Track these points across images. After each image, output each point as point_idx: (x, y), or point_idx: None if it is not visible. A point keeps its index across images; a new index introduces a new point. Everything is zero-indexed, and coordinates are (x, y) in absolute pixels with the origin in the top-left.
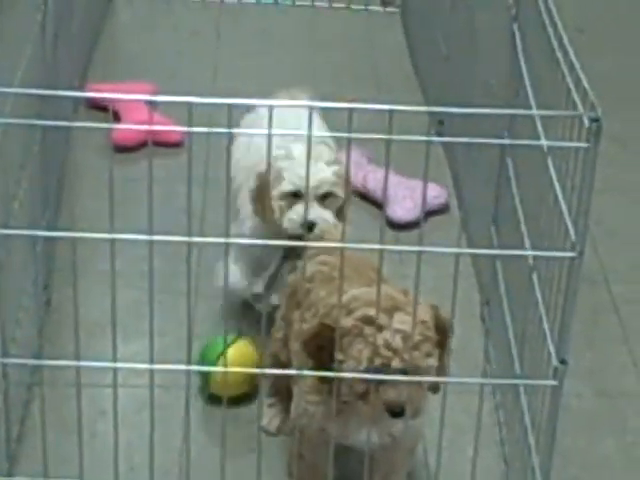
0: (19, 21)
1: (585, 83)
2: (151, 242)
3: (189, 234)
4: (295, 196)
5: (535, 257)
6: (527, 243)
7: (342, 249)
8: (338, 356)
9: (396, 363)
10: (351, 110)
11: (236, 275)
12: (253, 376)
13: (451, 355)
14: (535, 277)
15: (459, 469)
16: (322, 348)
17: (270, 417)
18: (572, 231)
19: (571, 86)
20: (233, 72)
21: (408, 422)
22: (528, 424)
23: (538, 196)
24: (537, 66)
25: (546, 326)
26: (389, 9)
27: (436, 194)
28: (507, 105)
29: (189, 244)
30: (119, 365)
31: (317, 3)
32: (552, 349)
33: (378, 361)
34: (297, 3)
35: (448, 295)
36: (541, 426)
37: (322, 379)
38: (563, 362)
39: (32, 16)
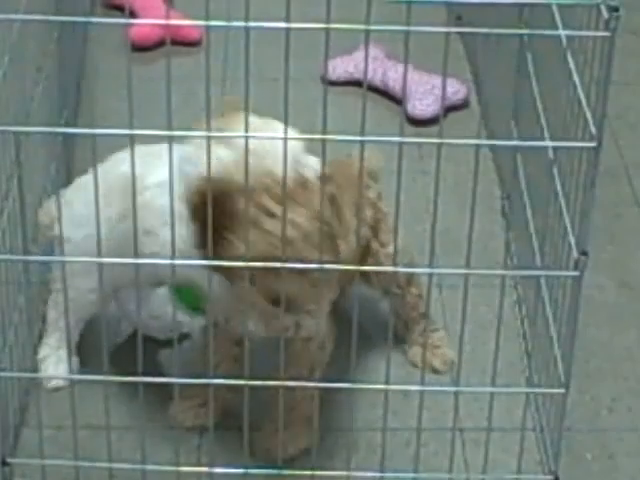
0: None
1: None
2: (170, 137)
3: (208, 129)
4: None
5: (555, 149)
6: (547, 136)
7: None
8: (227, 235)
9: (282, 253)
10: (369, 1)
11: None
12: None
13: None
14: (555, 170)
15: (481, 362)
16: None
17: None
18: (591, 121)
19: None
20: None
21: (296, 318)
22: (550, 316)
23: (557, 89)
24: None
25: (567, 218)
26: None
27: (455, 89)
28: None
29: (208, 138)
30: None
31: None
32: (573, 241)
33: (269, 251)
34: None
35: (469, 190)
36: (563, 319)
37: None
38: (584, 253)
39: None
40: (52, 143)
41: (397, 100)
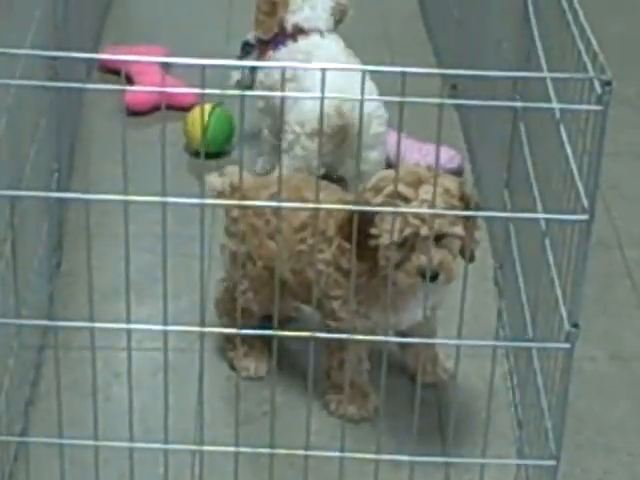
0: None
1: (595, 46)
2: (164, 204)
3: (202, 196)
4: None
5: (547, 221)
6: (539, 207)
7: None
8: (373, 231)
9: (424, 231)
10: (364, 72)
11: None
12: (229, 135)
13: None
14: (547, 241)
15: (472, 432)
16: (356, 230)
17: (253, 365)
18: (583, 194)
19: (581, 48)
20: (245, 34)
21: (443, 290)
22: (541, 387)
23: (550, 160)
24: (548, 29)
25: (558, 290)
26: None
27: (449, 157)
28: (519, 68)
29: (202, 207)
30: (133, 327)
31: None
32: (564, 313)
33: (408, 230)
34: None
35: (461, 262)
36: (554, 390)
37: (361, 257)
38: (575, 326)
39: None
40: (45, 205)
41: (391, 166)
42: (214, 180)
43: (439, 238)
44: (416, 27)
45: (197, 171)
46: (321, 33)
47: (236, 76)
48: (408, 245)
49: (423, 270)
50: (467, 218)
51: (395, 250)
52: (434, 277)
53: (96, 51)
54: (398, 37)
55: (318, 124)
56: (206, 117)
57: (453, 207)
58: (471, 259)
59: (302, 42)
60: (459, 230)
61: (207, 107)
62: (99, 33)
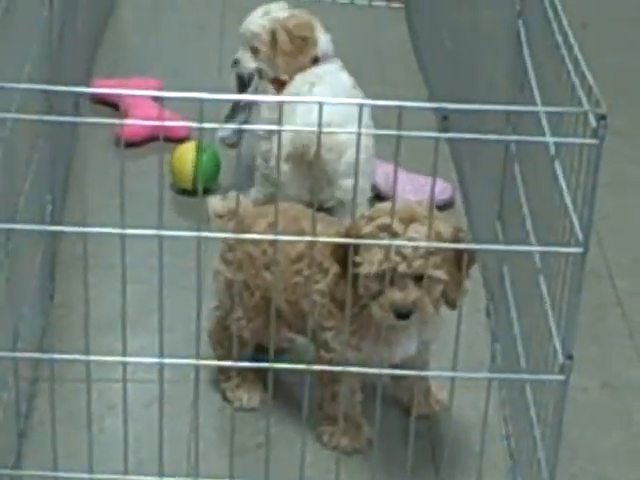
0: (25, 17)
1: (590, 80)
2: (160, 237)
3: (198, 229)
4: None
5: (541, 254)
6: (533, 239)
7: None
8: (357, 259)
9: (403, 268)
10: (361, 106)
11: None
12: (215, 173)
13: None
14: (541, 275)
15: (465, 463)
16: (346, 255)
17: (246, 396)
18: (578, 227)
19: (576, 82)
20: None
21: (431, 328)
22: (534, 418)
23: (543, 192)
24: (542, 62)
25: (552, 323)
26: (393, 5)
27: (441, 189)
28: (512, 101)
29: (199, 239)
30: (129, 359)
31: None
32: (558, 345)
33: (388, 265)
34: None
35: None
36: (547, 420)
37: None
38: (570, 357)
39: (38, 12)
40: (38, 237)
41: (382, 198)
42: (216, 203)
43: (420, 278)
44: (407, 58)
45: (183, 207)
46: (329, 58)
47: (221, 132)
48: (386, 279)
49: (396, 306)
50: (457, 266)
51: (374, 282)
52: (407, 315)
53: (88, 84)
54: (389, 68)
55: (291, 148)
56: (193, 155)
57: (440, 251)
58: (453, 306)
59: (315, 69)
60: (440, 274)
61: (191, 145)
62: (91, 65)
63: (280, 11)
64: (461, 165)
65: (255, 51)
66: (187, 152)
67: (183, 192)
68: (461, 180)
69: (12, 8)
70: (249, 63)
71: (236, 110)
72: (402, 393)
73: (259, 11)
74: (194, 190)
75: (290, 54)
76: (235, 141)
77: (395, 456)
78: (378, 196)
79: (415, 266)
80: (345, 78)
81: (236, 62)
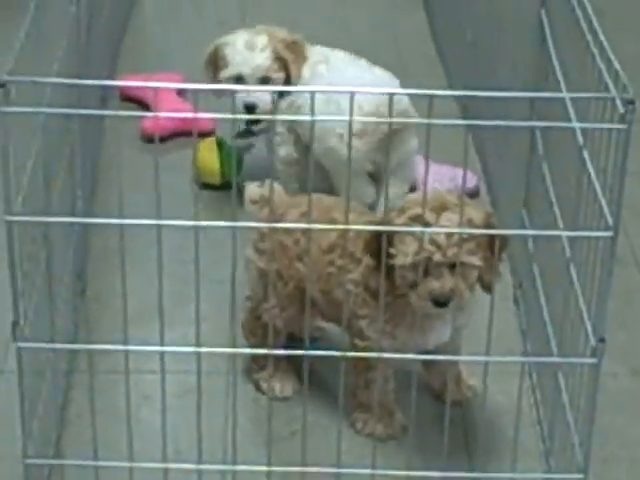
0: (54, 13)
1: (617, 65)
2: (196, 228)
3: (234, 219)
4: (238, 80)
5: (570, 239)
6: (561, 224)
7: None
8: (391, 250)
9: (438, 257)
10: (391, 95)
11: None
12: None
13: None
14: (571, 258)
15: (498, 449)
16: (380, 248)
17: (278, 385)
18: (607, 211)
19: (602, 68)
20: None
21: (464, 313)
22: (566, 403)
23: (569, 180)
24: (565, 51)
25: (583, 306)
26: None
27: (466, 179)
28: (535, 90)
29: (234, 229)
30: (166, 349)
31: None
32: (589, 328)
33: (422, 254)
34: None
35: None
36: (579, 405)
37: (385, 276)
38: (602, 340)
39: (66, 8)
40: (70, 232)
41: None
42: (253, 189)
43: (454, 265)
44: (426, 47)
45: (209, 201)
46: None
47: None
48: (422, 269)
49: (434, 295)
50: (490, 250)
51: (410, 272)
52: (445, 303)
53: (113, 79)
54: (409, 60)
55: (362, 124)
56: (216, 149)
57: (473, 237)
58: (489, 290)
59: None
60: (475, 260)
61: (212, 140)
62: (115, 62)
63: (260, 37)
64: (485, 155)
65: (266, 80)
66: (211, 147)
67: (207, 186)
68: (485, 170)
69: (41, 4)
70: (264, 95)
71: (246, 133)
72: (434, 380)
73: (242, 47)
74: (221, 184)
75: (296, 60)
76: (247, 146)
77: (429, 442)
78: None
79: (450, 254)
80: (342, 54)
81: (254, 106)
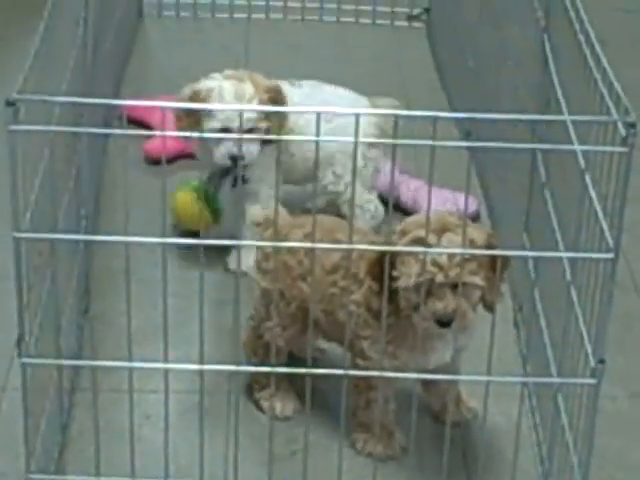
0: (62, 34)
1: (618, 89)
2: (201, 247)
3: (237, 238)
4: (223, 131)
5: (571, 262)
6: (562, 247)
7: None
8: (394, 273)
9: (440, 278)
10: (397, 117)
11: None
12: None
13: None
14: (572, 285)
15: (497, 470)
16: (383, 271)
17: (279, 404)
18: (608, 233)
19: (604, 92)
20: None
21: (466, 334)
22: (565, 424)
23: (570, 203)
24: (568, 79)
25: (583, 327)
26: (415, 24)
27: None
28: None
29: (239, 248)
30: (170, 366)
31: (343, 19)
32: (589, 349)
33: (425, 276)
34: (324, 19)
35: None
36: (578, 427)
37: (388, 298)
38: (601, 361)
39: (73, 30)
40: (74, 251)
41: (408, 213)
42: (256, 212)
43: (456, 286)
44: (429, 76)
45: None
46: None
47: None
48: (425, 290)
49: (438, 315)
50: (492, 270)
51: (413, 293)
52: (448, 323)
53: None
54: (412, 88)
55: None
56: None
57: (475, 257)
58: (492, 310)
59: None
60: (477, 280)
61: (189, 188)
62: (119, 85)
63: (246, 86)
64: (485, 179)
65: (253, 129)
66: (189, 196)
67: (185, 234)
68: (486, 194)
69: (51, 26)
70: (253, 145)
71: (217, 177)
72: (434, 401)
73: (231, 99)
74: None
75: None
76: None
77: (428, 463)
78: (405, 212)
79: (452, 275)
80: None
81: (241, 158)
